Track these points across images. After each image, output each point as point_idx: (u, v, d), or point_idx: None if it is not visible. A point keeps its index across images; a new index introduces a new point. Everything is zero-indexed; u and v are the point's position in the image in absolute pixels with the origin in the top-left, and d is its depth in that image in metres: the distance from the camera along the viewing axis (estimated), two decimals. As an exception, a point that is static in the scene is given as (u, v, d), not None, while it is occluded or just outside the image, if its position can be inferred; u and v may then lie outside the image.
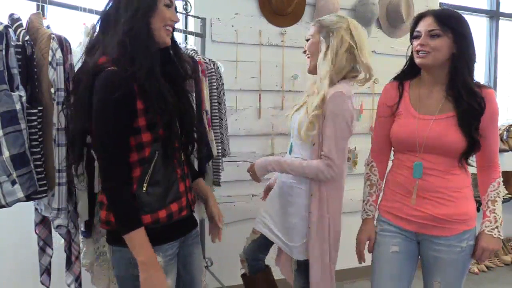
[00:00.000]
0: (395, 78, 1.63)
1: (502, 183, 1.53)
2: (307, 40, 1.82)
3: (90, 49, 1.29)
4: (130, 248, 1.20)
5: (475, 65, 1.51)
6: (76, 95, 1.30)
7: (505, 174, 3.66)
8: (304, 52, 1.84)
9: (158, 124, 1.24)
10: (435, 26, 1.44)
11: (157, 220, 1.27)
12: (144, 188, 1.25)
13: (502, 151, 3.62)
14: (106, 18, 1.28)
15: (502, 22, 3.93)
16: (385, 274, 1.58)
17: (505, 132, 3.68)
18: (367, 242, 1.67)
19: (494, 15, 3.88)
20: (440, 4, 3.44)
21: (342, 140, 1.70)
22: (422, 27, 1.47)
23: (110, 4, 1.29)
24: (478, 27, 3.93)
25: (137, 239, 1.20)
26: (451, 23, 1.44)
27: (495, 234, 1.46)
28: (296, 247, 1.83)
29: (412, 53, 1.55)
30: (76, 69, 1.58)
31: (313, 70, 1.80)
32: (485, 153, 1.51)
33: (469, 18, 3.84)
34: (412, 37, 1.52)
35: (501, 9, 3.90)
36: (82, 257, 1.84)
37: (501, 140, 3.65)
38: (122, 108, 1.19)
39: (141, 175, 1.25)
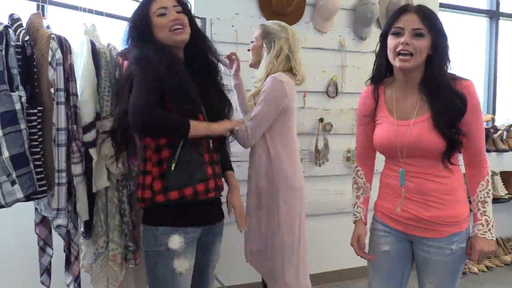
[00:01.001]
0: (372, 81, 1.56)
1: (490, 180, 1.47)
2: (252, 41, 2.09)
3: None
4: (205, 133, 1.45)
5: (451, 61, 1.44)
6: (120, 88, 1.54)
7: (505, 174, 3.66)
8: (248, 50, 2.12)
9: (180, 112, 1.39)
10: (420, 25, 1.34)
11: (184, 197, 1.43)
12: (172, 168, 1.41)
13: (502, 151, 3.62)
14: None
15: (502, 22, 3.94)
16: (377, 273, 1.59)
17: (505, 132, 3.68)
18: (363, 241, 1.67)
19: (494, 15, 3.88)
20: (440, 4, 3.44)
21: (261, 116, 1.90)
22: (405, 23, 1.36)
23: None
24: (478, 27, 3.93)
25: (199, 127, 1.42)
26: (434, 22, 1.37)
27: (488, 237, 1.43)
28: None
29: (379, 52, 1.49)
30: (76, 69, 1.59)
31: (255, 66, 2.10)
32: (470, 148, 1.45)
33: (469, 18, 3.84)
34: (391, 33, 1.40)
35: (501, 9, 3.90)
36: (81, 257, 1.84)
37: (501, 140, 3.65)
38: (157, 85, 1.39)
39: (170, 155, 1.42)
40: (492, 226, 1.44)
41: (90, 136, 1.66)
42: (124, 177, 1.79)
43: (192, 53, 1.56)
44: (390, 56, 1.41)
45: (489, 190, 1.46)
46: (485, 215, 1.44)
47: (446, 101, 1.36)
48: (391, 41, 1.39)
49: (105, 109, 1.71)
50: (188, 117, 1.40)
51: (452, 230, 1.44)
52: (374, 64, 1.54)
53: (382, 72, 1.51)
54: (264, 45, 2.00)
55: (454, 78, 1.41)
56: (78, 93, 1.64)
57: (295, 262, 2.01)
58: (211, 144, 1.53)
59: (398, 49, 1.36)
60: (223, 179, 1.64)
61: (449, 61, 1.41)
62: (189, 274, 1.47)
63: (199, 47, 1.56)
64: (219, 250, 1.66)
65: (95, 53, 1.68)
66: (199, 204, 1.47)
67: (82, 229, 1.79)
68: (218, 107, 1.58)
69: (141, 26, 1.47)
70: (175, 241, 1.42)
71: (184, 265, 1.43)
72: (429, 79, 1.39)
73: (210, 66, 1.60)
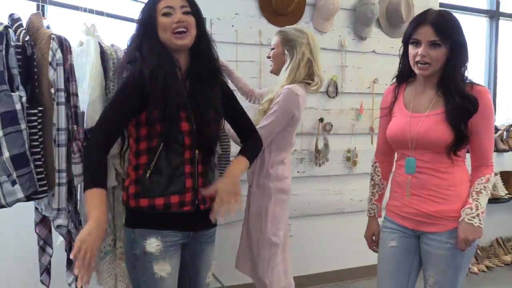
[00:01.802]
0: (396, 80, 1.67)
1: (492, 181, 1.52)
2: (272, 48, 2.07)
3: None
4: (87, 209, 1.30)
5: (469, 65, 1.53)
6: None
7: (505, 174, 3.67)
8: (268, 57, 2.11)
9: (157, 119, 1.35)
10: (435, 37, 1.44)
11: (153, 206, 1.37)
12: (148, 175, 1.37)
13: (502, 151, 3.62)
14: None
15: (502, 22, 3.93)
16: (385, 269, 1.65)
17: (505, 132, 3.68)
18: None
19: (494, 15, 3.88)
20: (440, 4, 3.43)
21: (273, 125, 1.91)
22: (422, 36, 1.46)
23: None
24: (478, 27, 3.93)
25: (88, 197, 1.29)
26: (450, 33, 1.45)
27: (475, 223, 1.44)
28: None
29: (403, 55, 1.60)
30: (75, 69, 1.59)
31: (276, 72, 2.08)
32: (476, 151, 1.52)
33: (469, 18, 3.84)
34: (410, 42, 1.52)
35: (501, 9, 3.90)
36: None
37: (501, 140, 3.65)
38: (125, 99, 1.39)
39: (147, 162, 1.38)
40: (482, 213, 1.45)
41: None
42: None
43: (195, 56, 1.48)
44: (411, 62, 1.53)
45: (488, 186, 1.49)
46: (477, 201, 1.47)
47: (459, 101, 1.45)
48: (411, 50, 1.51)
49: None
50: (169, 124, 1.36)
51: (454, 224, 1.48)
52: (399, 65, 1.65)
53: (405, 73, 1.63)
54: (286, 52, 1.99)
55: (471, 84, 1.50)
56: (87, 94, 1.64)
57: (280, 262, 2.05)
58: (196, 155, 1.43)
59: (416, 59, 1.49)
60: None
61: (465, 64, 1.49)
62: (171, 278, 1.40)
63: (199, 51, 1.48)
64: (209, 259, 1.58)
65: (103, 54, 1.70)
66: (174, 214, 1.40)
67: None
68: (206, 118, 1.45)
69: (145, 24, 1.42)
70: (152, 244, 1.36)
71: (165, 269, 1.37)
72: (446, 78, 1.48)
73: (207, 73, 1.48)
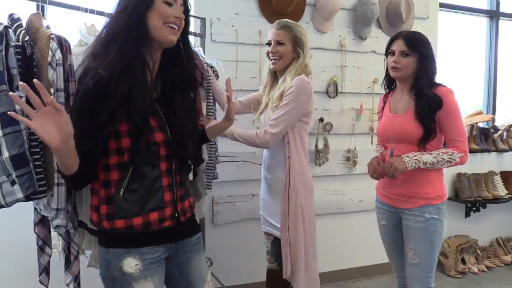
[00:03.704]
0: (387, 88, 2.10)
1: (453, 158, 1.80)
2: (279, 42, 1.98)
3: (95, 54, 1.25)
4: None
5: (437, 73, 1.93)
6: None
7: (505, 174, 3.66)
8: (273, 53, 1.99)
9: (125, 131, 1.21)
10: (405, 48, 1.88)
11: (131, 227, 1.24)
12: (121, 193, 1.23)
13: (502, 151, 3.62)
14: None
15: (502, 22, 3.94)
16: (385, 242, 2.11)
17: (505, 132, 3.68)
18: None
19: (494, 15, 3.88)
20: (440, 4, 3.44)
21: (290, 115, 1.90)
22: (396, 47, 1.91)
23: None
24: (478, 27, 3.93)
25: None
26: (417, 46, 1.87)
27: (405, 159, 1.78)
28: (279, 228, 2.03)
29: (387, 67, 1.99)
30: (76, 69, 1.58)
31: (281, 71, 2.02)
32: (445, 137, 1.87)
33: (469, 18, 3.84)
34: (388, 53, 1.96)
35: (501, 9, 3.90)
36: (91, 255, 1.85)
37: (501, 140, 3.65)
38: (87, 114, 1.18)
39: (120, 179, 1.24)
40: (416, 162, 1.78)
41: None
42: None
43: (174, 58, 1.35)
44: (388, 68, 1.97)
45: (441, 155, 1.79)
46: (423, 155, 1.80)
47: (425, 100, 1.82)
48: (388, 59, 1.97)
49: None
50: (140, 138, 1.21)
51: (423, 202, 1.86)
52: (385, 76, 2.07)
53: (391, 81, 2.06)
54: (298, 49, 1.99)
55: (438, 85, 1.87)
56: None
57: (313, 256, 2.11)
58: (173, 165, 1.32)
59: (391, 65, 1.93)
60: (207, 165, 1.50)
61: (432, 72, 1.89)
62: None
63: (180, 54, 1.35)
64: (201, 270, 1.43)
65: None
66: (153, 232, 1.28)
67: (89, 226, 1.78)
68: (186, 131, 1.35)
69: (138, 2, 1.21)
70: (130, 264, 1.24)
71: None
72: (416, 84, 1.88)
73: (187, 79, 1.37)
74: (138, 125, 1.20)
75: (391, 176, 1.79)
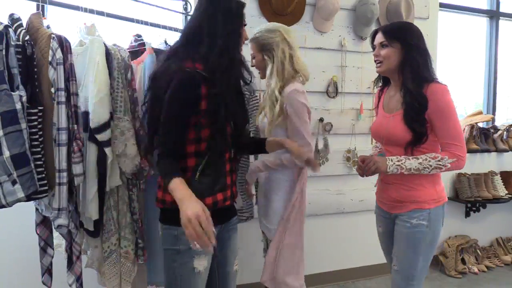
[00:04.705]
0: (382, 84, 1.93)
1: (442, 163, 1.63)
2: (252, 56, 1.98)
3: (173, 54, 1.44)
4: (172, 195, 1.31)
5: (433, 65, 1.71)
6: (153, 90, 1.44)
7: (505, 174, 3.67)
8: (253, 66, 1.98)
9: (215, 124, 1.39)
10: (383, 39, 1.73)
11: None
12: (197, 177, 1.41)
13: (502, 151, 3.62)
14: (193, 31, 1.44)
15: (502, 22, 3.94)
16: (382, 247, 1.99)
17: (505, 132, 3.68)
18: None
19: (494, 15, 3.88)
20: (440, 4, 3.44)
21: (306, 129, 1.87)
22: (376, 41, 1.78)
23: (198, 18, 1.44)
24: (478, 27, 3.93)
25: (173, 185, 1.30)
26: (398, 34, 1.70)
27: (387, 162, 1.65)
28: (274, 229, 1.97)
29: None
30: (76, 68, 1.59)
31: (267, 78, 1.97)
32: (437, 136, 1.67)
33: (469, 18, 3.85)
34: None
35: (501, 9, 3.90)
36: (89, 256, 1.85)
37: (501, 140, 3.66)
38: (185, 107, 1.36)
39: (195, 165, 1.42)
40: (398, 168, 1.64)
41: (105, 135, 1.68)
42: (134, 176, 1.83)
43: None
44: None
45: (428, 161, 1.63)
46: (408, 160, 1.65)
47: (409, 100, 1.66)
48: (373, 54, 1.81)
49: (118, 109, 1.75)
50: (223, 131, 1.42)
51: (414, 206, 1.71)
52: (377, 76, 1.93)
53: (384, 80, 1.91)
54: (266, 57, 1.91)
55: (429, 81, 1.65)
56: (93, 93, 1.65)
57: (300, 261, 2.01)
58: (232, 154, 1.54)
59: (374, 60, 1.80)
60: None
61: (418, 64, 1.66)
62: (206, 272, 1.49)
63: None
64: (235, 247, 1.64)
65: (108, 54, 1.71)
66: (216, 210, 1.45)
67: (90, 228, 1.79)
68: (246, 129, 1.61)
69: (235, 16, 1.45)
70: None
71: (203, 264, 1.44)
72: (403, 80, 1.71)
73: (242, 79, 1.59)
74: (222, 120, 1.40)
75: (371, 174, 1.69)
